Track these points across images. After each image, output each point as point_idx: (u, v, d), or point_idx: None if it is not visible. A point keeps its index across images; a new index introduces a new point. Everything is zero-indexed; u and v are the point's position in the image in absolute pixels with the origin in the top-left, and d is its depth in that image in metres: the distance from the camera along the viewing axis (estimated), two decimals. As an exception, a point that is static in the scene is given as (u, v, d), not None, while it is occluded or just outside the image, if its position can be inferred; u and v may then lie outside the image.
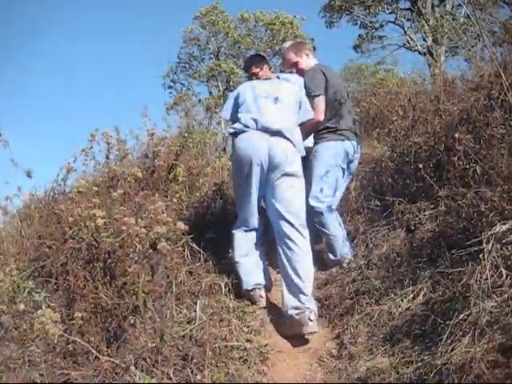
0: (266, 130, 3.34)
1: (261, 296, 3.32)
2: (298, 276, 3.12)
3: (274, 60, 17.17)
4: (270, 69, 4.10)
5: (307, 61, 4.09)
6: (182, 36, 18.86)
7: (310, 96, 3.75)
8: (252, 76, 3.97)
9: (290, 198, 3.33)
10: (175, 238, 3.11)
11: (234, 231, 3.55)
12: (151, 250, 2.91)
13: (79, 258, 3.00)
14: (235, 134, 3.44)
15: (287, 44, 4.68)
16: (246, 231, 3.51)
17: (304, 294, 3.07)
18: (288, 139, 3.37)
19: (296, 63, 4.12)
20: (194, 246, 3.52)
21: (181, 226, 3.04)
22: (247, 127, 3.37)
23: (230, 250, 3.86)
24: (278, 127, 3.35)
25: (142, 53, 40.85)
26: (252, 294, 3.31)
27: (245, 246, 3.49)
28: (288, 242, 3.23)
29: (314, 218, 3.64)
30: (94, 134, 4.82)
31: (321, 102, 3.76)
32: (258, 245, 3.51)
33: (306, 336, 3.02)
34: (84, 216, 3.09)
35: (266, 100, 3.46)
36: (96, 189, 3.73)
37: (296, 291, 3.08)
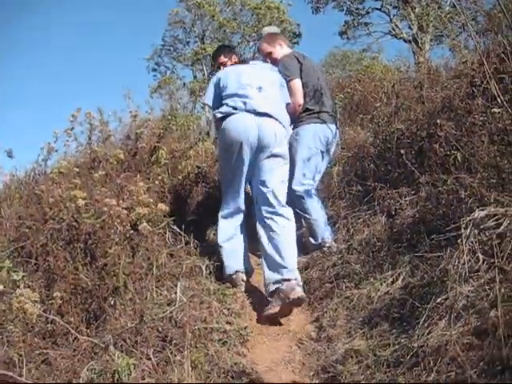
0: (254, 112, 3.37)
1: (242, 280, 3.37)
2: (280, 255, 3.17)
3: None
4: (238, 59, 4.13)
5: (280, 50, 4.12)
6: (166, 18, 18.59)
7: (287, 81, 3.79)
8: (220, 65, 4.05)
9: (276, 179, 3.39)
10: (156, 220, 3.10)
11: (220, 214, 3.56)
12: (132, 232, 2.89)
13: (59, 239, 2.97)
14: (223, 118, 3.44)
15: (266, 29, 4.74)
16: (232, 214, 3.53)
17: (285, 268, 3.13)
18: (277, 120, 3.44)
19: (270, 53, 4.15)
20: (176, 228, 3.52)
21: (162, 207, 3.03)
22: (236, 109, 3.39)
23: (214, 233, 3.88)
24: (267, 109, 3.40)
25: (126, 35, 40.33)
26: (234, 277, 3.35)
27: (229, 230, 3.50)
28: (270, 222, 3.29)
29: (295, 202, 3.65)
30: (76, 114, 4.76)
31: (297, 84, 3.82)
32: (243, 228, 3.54)
33: (285, 319, 3.05)
34: (65, 197, 3.06)
35: (250, 89, 3.48)
36: (77, 170, 3.69)
37: (277, 267, 3.14)
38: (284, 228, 3.27)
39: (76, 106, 4.74)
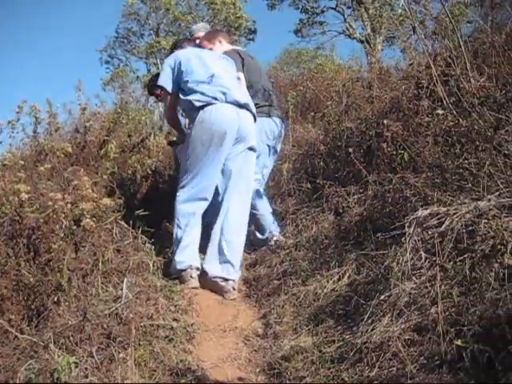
0: (235, 103, 3.34)
1: (191, 276, 3.30)
2: (231, 249, 3.25)
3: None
4: None
5: (220, 47, 4.08)
6: (121, 10, 18.28)
7: None
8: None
9: (247, 173, 3.48)
10: (102, 215, 3.04)
11: (178, 199, 3.43)
12: (76, 227, 2.82)
13: (1, 234, 2.88)
14: (200, 107, 3.32)
15: (197, 26, 4.74)
16: (194, 199, 3.40)
17: (233, 267, 3.26)
18: (252, 113, 3.47)
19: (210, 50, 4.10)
20: (123, 223, 3.45)
21: (107, 202, 2.97)
22: (216, 99, 3.30)
23: (163, 229, 3.84)
24: (246, 101, 3.41)
25: (79, 25, 39.35)
26: (183, 274, 3.29)
27: (188, 217, 3.39)
28: (231, 214, 3.36)
29: None
30: (22, 105, 4.63)
31: (242, 79, 3.80)
32: (201, 219, 3.48)
33: (232, 315, 3.04)
34: (8, 190, 2.97)
35: (227, 79, 3.44)
36: (22, 162, 3.59)
37: (224, 262, 3.27)
38: (241, 223, 3.41)
39: (25, 96, 4.62)
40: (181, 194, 3.42)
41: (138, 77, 18.20)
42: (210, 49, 4.05)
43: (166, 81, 3.49)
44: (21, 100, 4.64)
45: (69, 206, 2.85)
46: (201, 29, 4.53)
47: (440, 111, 2.96)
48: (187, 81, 3.38)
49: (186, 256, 3.33)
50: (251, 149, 3.46)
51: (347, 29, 15.69)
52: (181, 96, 3.42)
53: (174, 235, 3.41)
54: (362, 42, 14.44)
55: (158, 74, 4.33)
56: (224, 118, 3.28)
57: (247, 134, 3.40)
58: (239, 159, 3.41)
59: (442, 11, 3.57)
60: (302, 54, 20.03)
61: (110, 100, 6.25)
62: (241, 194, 3.40)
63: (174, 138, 4.32)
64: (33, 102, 4.68)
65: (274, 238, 3.70)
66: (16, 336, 2.39)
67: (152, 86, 4.24)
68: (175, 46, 4.02)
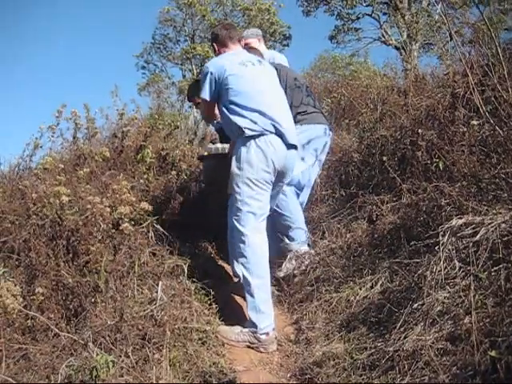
0: (285, 142, 3.10)
1: (275, 337, 2.94)
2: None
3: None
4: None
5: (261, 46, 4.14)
6: (157, 16, 18.62)
7: None
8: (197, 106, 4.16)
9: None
10: (139, 219, 3.11)
11: (247, 232, 3.02)
12: (114, 230, 2.90)
13: (42, 235, 2.98)
14: (252, 136, 3.04)
15: (248, 32, 4.67)
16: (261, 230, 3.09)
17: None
18: (296, 149, 3.25)
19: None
20: (159, 227, 3.52)
21: (144, 206, 3.04)
22: (267, 131, 3.03)
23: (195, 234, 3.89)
24: (294, 141, 3.17)
25: (116, 32, 40.10)
26: (266, 338, 2.89)
27: (265, 257, 3.04)
28: None
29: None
30: (61, 110, 4.78)
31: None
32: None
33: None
34: (49, 193, 3.07)
35: (274, 107, 3.16)
36: (62, 166, 3.70)
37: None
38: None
39: (63, 101, 4.76)
40: (240, 218, 3.05)
41: (173, 82, 18.53)
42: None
43: (206, 93, 3.23)
44: (60, 104, 4.78)
45: (107, 209, 2.93)
46: (250, 35, 4.34)
47: (475, 122, 2.93)
48: (235, 102, 3.10)
49: (268, 310, 2.98)
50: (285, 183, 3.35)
51: (383, 35, 15.61)
52: (224, 111, 3.17)
53: (250, 281, 2.98)
54: (397, 48, 14.35)
55: (197, 81, 4.38)
56: (278, 154, 3.05)
57: (289, 174, 3.24)
58: (276, 195, 3.32)
59: (479, 18, 3.53)
60: (336, 61, 20.00)
61: (145, 105, 6.40)
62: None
63: (205, 153, 4.33)
64: (71, 107, 4.82)
65: (303, 249, 3.67)
66: (55, 334, 2.47)
67: (192, 95, 4.20)
68: (216, 38, 3.49)
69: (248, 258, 2.97)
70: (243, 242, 2.99)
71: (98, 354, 2.07)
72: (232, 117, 3.09)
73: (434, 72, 5.30)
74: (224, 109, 3.16)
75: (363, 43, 16.40)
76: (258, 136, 3.02)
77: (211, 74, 3.18)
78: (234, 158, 3.09)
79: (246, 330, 2.91)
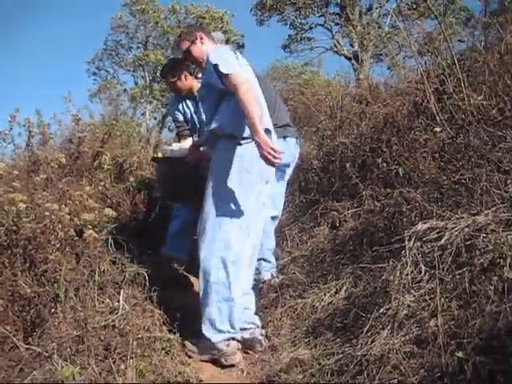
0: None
1: (238, 349, 2.77)
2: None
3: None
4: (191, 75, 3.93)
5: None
6: (110, 22, 18.34)
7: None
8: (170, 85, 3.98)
9: None
10: (101, 226, 3.03)
11: (229, 258, 2.72)
12: (77, 238, 2.81)
13: (-4, 244, 2.86)
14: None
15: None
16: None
17: (251, 310, 2.86)
18: None
19: None
20: (118, 235, 3.44)
21: (109, 212, 2.96)
22: (269, 132, 2.74)
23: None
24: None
25: (65, 37, 39.30)
26: (227, 348, 2.72)
27: (249, 281, 2.85)
28: None
29: None
30: (15, 114, 4.62)
31: None
32: None
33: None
34: (3, 200, 2.95)
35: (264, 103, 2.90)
36: (16, 173, 3.56)
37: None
38: None
39: (12, 107, 4.61)
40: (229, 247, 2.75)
41: (125, 89, 18.26)
42: None
43: (234, 65, 2.72)
44: (14, 109, 4.62)
45: (67, 216, 2.84)
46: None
47: (438, 129, 3.01)
48: None
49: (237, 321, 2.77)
50: None
51: (335, 45, 15.86)
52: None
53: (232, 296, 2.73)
54: (349, 58, 14.61)
55: (173, 58, 4.25)
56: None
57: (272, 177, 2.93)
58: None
59: (434, 29, 3.64)
60: (289, 70, 20.22)
61: (97, 112, 6.30)
62: None
63: (159, 154, 4.01)
64: (22, 113, 4.66)
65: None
66: (12, 347, 2.37)
67: (167, 72, 3.96)
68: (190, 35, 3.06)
69: None
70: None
71: (62, 366, 1.99)
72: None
73: (386, 81, 5.44)
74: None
75: (316, 53, 16.60)
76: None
77: (233, 54, 2.83)
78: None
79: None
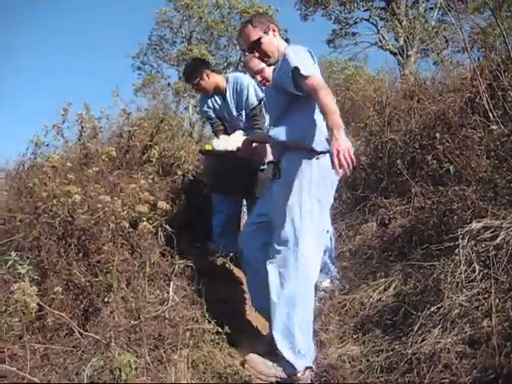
0: None
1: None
2: None
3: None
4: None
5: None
6: (154, 17, 18.57)
7: None
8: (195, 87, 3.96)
9: None
10: (154, 219, 3.09)
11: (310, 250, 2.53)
12: (131, 229, 2.88)
13: (52, 234, 2.94)
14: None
15: None
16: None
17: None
18: None
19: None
20: (168, 227, 3.50)
21: (162, 205, 3.01)
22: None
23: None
24: None
25: (111, 32, 40.00)
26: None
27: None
28: None
29: None
30: (67, 108, 4.73)
31: None
32: None
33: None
34: (59, 192, 3.04)
35: None
36: (70, 165, 3.66)
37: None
38: None
39: (60, 100, 4.72)
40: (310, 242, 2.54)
41: (169, 83, 18.48)
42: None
43: (312, 67, 2.52)
44: (66, 103, 4.73)
45: (120, 208, 2.91)
46: None
47: (494, 126, 2.95)
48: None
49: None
50: None
51: (380, 40, 15.63)
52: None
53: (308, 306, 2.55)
54: (394, 53, 14.37)
55: (195, 59, 4.23)
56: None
57: None
58: None
59: (491, 23, 3.56)
60: (332, 65, 20.07)
61: (142, 106, 6.40)
62: None
63: (207, 147, 4.02)
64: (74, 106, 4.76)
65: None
66: (67, 334, 2.45)
67: (192, 73, 3.89)
68: (262, 25, 2.71)
69: None
70: None
71: (119, 354, 2.05)
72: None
73: (434, 77, 5.34)
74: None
75: (360, 48, 16.42)
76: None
77: (311, 55, 2.62)
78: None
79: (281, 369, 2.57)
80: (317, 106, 2.47)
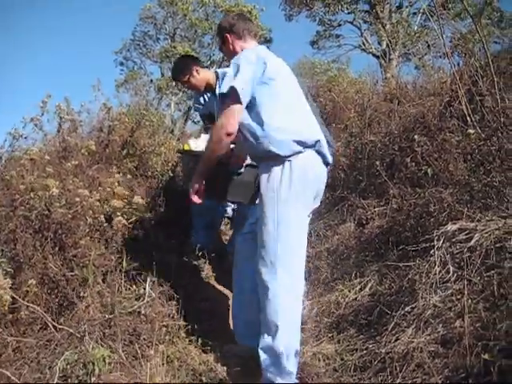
0: (324, 160, 2.48)
1: None
2: None
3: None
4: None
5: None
6: (138, 13, 18.47)
7: None
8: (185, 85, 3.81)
9: None
10: (130, 213, 3.07)
11: (286, 290, 2.29)
12: (106, 224, 2.86)
13: (29, 227, 2.91)
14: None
15: None
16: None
17: None
18: None
19: None
20: (146, 223, 3.49)
21: (138, 200, 2.99)
22: (307, 147, 2.38)
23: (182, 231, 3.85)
24: (331, 160, 2.56)
25: (93, 28, 39.67)
26: None
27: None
28: None
29: None
30: (46, 100, 4.67)
31: None
32: None
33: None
34: (36, 185, 3.01)
35: (314, 119, 2.54)
36: (48, 158, 3.62)
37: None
38: None
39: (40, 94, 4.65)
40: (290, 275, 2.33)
41: (151, 80, 18.38)
42: None
43: (247, 83, 2.37)
44: (45, 94, 4.67)
45: (97, 203, 2.89)
46: None
47: (471, 130, 2.99)
48: (274, 107, 2.38)
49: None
50: None
51: (363, 43, 15.77)
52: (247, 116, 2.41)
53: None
54: (377, 57, 14.50)
55: (183, 56, 4.15)
56: (317, 176, 2.46)
57: (319, 199, 2.60)
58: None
59: (470, 29, 3.61)
60: (315, 66, 20.14)
61: (124, 102, 6.34)
62: None
63: (185, 146, 3.92)
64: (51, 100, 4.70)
65: None
66: (42, 327, 2.43)
67: (180, 70, 3.73)
68: (231, 28, 2.73)
69: None
70: None
71: (93, 348, 2.04)
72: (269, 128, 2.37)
73: (415, 81, 5.40)
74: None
75: (344, 50, 16.55)
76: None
77: (252, 64, 2.43)
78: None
79: None
80: (274, 107, 2.36)
